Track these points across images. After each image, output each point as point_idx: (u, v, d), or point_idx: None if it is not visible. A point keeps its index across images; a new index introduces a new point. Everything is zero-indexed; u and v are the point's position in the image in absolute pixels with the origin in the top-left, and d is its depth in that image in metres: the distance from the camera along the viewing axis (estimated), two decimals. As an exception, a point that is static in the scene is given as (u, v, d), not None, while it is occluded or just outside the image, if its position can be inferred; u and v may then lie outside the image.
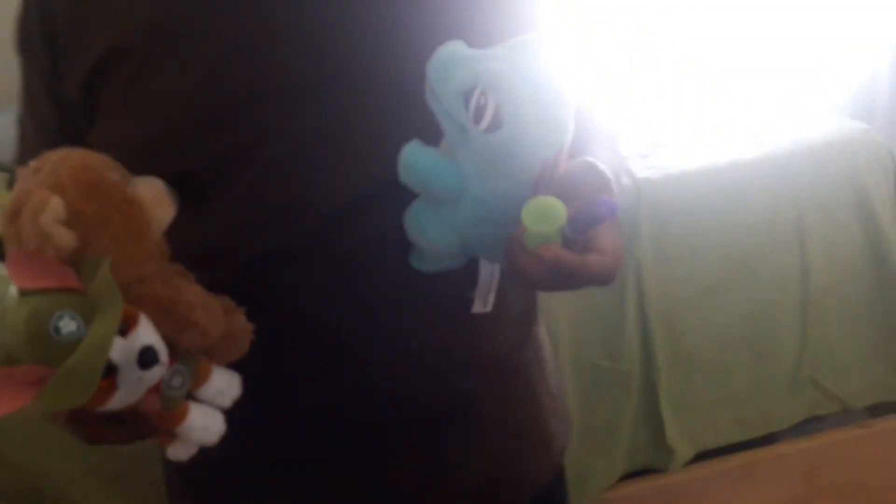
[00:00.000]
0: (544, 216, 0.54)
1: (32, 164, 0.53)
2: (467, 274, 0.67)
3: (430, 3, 0.66)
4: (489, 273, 0.69)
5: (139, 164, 0.58)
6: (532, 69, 0.57)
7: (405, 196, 0.62)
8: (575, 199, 0.56)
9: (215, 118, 0.64)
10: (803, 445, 1.65)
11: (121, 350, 0.47)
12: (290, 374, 0.71)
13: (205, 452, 0.62)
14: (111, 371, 0.47)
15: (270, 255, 0.66)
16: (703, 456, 1.64)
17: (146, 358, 0.48)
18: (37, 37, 0.68)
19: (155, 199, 0.56)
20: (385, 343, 0.70)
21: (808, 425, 1.72)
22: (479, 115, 0.56)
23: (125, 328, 0.48)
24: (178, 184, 0.63)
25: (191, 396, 0.56)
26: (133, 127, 0.63)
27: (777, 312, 1.63)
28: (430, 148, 0.59)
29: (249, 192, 0.65)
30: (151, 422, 0.53)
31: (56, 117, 0.70)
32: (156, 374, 0.49)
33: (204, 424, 0.56)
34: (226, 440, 0.74)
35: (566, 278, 0.56)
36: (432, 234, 0.61)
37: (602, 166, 0.61)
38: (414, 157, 0.59)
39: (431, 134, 0.59)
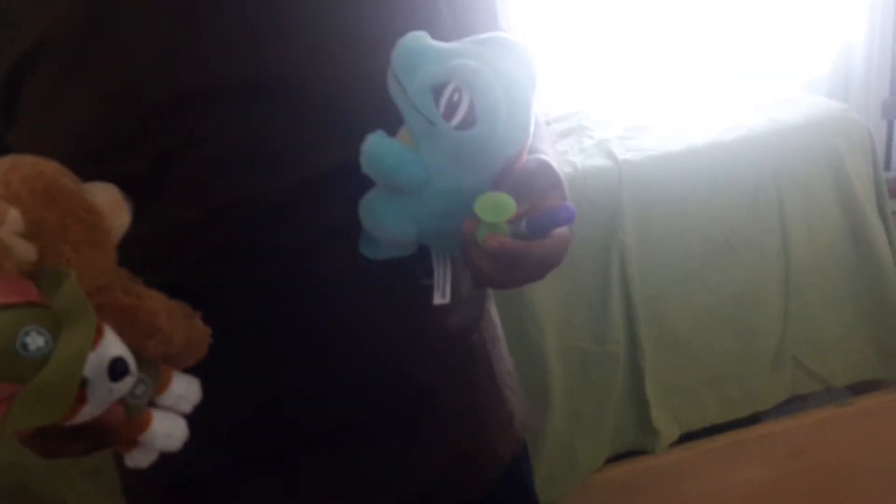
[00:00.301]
0: (496, 209, 0.56)
1: None
2: (417, 259, 0.68)
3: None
4: (443, 264, 0.70)
5: (72, 167, 0.56)
6: (504, 68, 0.58)
7: (348, 188, 0.62)
8: (529, 195, 0.59)
9: (150, 117, 0.62)
10: (787, 425, 1.66)
11: (91, 363, 0.46)
12: (245, 374, 0.69)
13: (165, 459, 0.61)
14: (81, 384, 0.46)
15: (218, 254, 0.65)
16: (688, 437, 1.64)
17: (117, 369, 0.47)
18: None
19: (112, 205, 0.54)
20: (341, 336, 0.69)
21: (791, 405, 1.73)
22: (450, 111, 0.56)
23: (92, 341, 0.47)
24: (117, 185, 0.63)
25: (151, 403, 0.55)
26: (62, 127, 0.61)
27: (759, 292, 1.63)
28: (392, 139, 0.59)
29: (191, 191, 0.64)
30: (113, 432, 0.52)
31: None
32: (126, 385, 0.48)
33: (167, 431, 0.55)
34: (184, 445, 0.74)
35: (513, 266, 0.59)
36: (391, 225, 0.61)
37: (554, 164, 0.64)
38: (378, 149, 0.58)
39: (375, 125, 0.59)
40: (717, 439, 1.64)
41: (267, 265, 0.66)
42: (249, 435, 0.72)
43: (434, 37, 0.59)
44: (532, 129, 0.60)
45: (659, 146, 1.62)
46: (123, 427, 0.52)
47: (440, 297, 0.70)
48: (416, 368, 0.74)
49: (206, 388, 0.68)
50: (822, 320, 1.67)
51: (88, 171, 0.60)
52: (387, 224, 0.61)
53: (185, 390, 0.57)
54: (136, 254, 0.56)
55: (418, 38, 0.59)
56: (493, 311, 0.88)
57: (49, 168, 0.51)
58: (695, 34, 2.09)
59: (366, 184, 0.61)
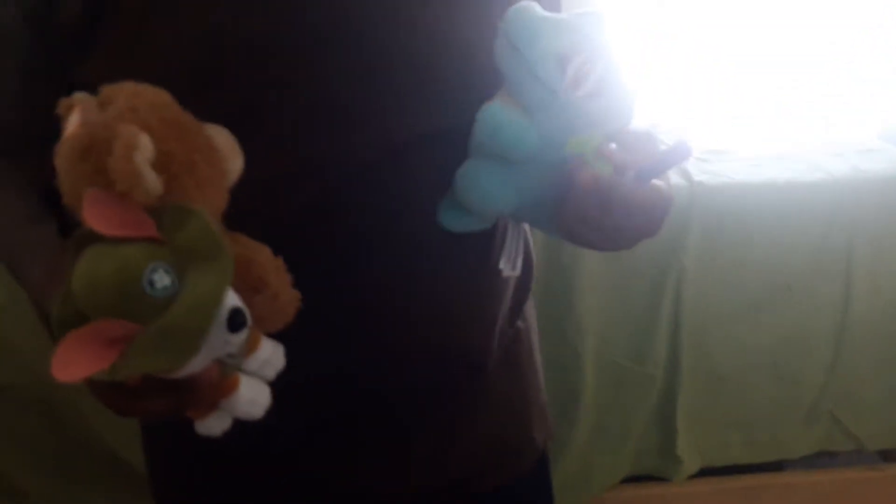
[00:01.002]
0: (583, 140, 0.56)
1: (92, 98, 0.47)
2: (485, 234, 0.68)
3: None
4: (517, 234, 0.71)
5: None
6: (618, 43, 0.58)
7: (433, 155, 0.62)
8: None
9: (241, 59, 0.61)
10: (813, 478, 1.63)
11: None
12: (312, 336, 0.68)
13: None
14: None
15: (300, 211, 0.64)
16: (707, 472, 1.62)
17: (237, 320, 0.44)
18: None
19: (230, 147, 0.51)
20: (407, 303, 0.68)
21: (815, 458, 1.70)
22: (576, 82, 0.55)
23: None
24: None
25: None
26: (149, 64, 0.59)
27: (809, 341, 1.59)
28: (512, 109, 0.58)
29: (277, 144, 0.63)
30: (203, 393, 0.48)
31: (42, 60, 0.64)
32: (241, 339, 0.45)
33: (252, 397, 0.51)
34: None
35: (610, 209, 0.57)
36: (495, 197, 0.60)
37: (657, 135, 0.64)
38: (498, 118, 0.57)
39: (469, 95, 0.59)
40: (739, 479, 1.61)
41: (347, 225, 0.65)
42: (306, 400, 0.72)
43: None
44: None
45: (736, 174, 1.58)
46: (213, 388, 0.49)
47: (509, 269, 0.71)
48: (470, 346, 0.73)
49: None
50: (867, 381, 1.63)
51: (188, 99, 0.58)
52: (492, 197, 0.61)
53: (271, 355, 0.53)
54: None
55: (531, 8, 0.58)
56: (531, 302, 0.87)
57: (169, 98, 0.48)
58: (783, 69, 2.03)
59: (450, 152, 0.61)
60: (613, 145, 0.56)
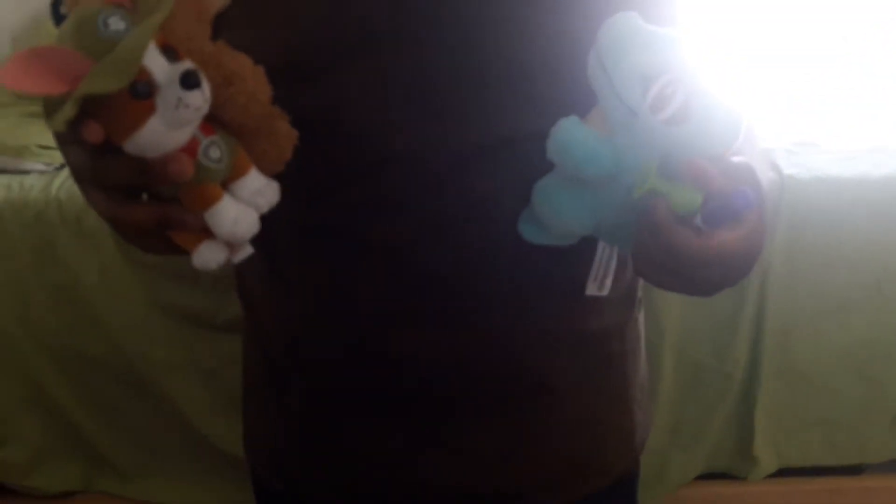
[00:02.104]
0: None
1: None
2: (573, 250, 0.65)
3: None
4: (607, 256, 0.68)
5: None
6: (717, 68, 0.54)
7: (517, 159, 0.61)
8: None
9: (332, 55, 0.61)
10: (893, 483, 1.58)
11: (165, 71, 0.47)
12: (372, 321, 0.69)
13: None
14: (152, 92, 0.46)
15: (376, 201, 0.64)
16: (784, 472, 1.58)
17: (190, 79, 0.47)
18: None
19: None
20: (478, 311, 0.68)
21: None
22: (659, 105, 0.52)
23: (173, 57, 0.48)
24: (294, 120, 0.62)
25: (226, 188, 0.53)
26: (253, 48, 0.60)
27: (898, 343, 1.54)
28: (585, 127, 0.55)
29: (367, 135, 0.63)
30: (178, 202, 0.51)
31: None
32: (196, 100, 0.47)
33: (236, 216, 0.52)
34: (305, 365, 0.74)
35: (680, 258, 0.53)
36: (569, 216, 0.58)
37: (754, 168, 0.57)
38: (568, 136, 0.55)
39: (560, 102, 0.57)
40: (817, 482, 1.57)
41: (425, 221, 0.65)
42: (364, 385, 0.73)
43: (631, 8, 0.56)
44: (742, 132, 0.56)
45: (828, 168, 1.52)
46: (189, 194, 0.50)
47: (595, 289, 0.68)
48: (542, 363, 0.72)
49: (334, 329, 0.70)
50: (957, 386, 1.57)
51: (280, 92, 0.59)
52: (564, 215, 0.59)
53: (263, 186, 0.54)
54: (302, 186, 0.56)
55: (629, 19, 0.55)
56: (640, 320, 0.84)
57: None
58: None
59: (537, 156, 0.59)
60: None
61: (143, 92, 0.46)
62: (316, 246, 0.66)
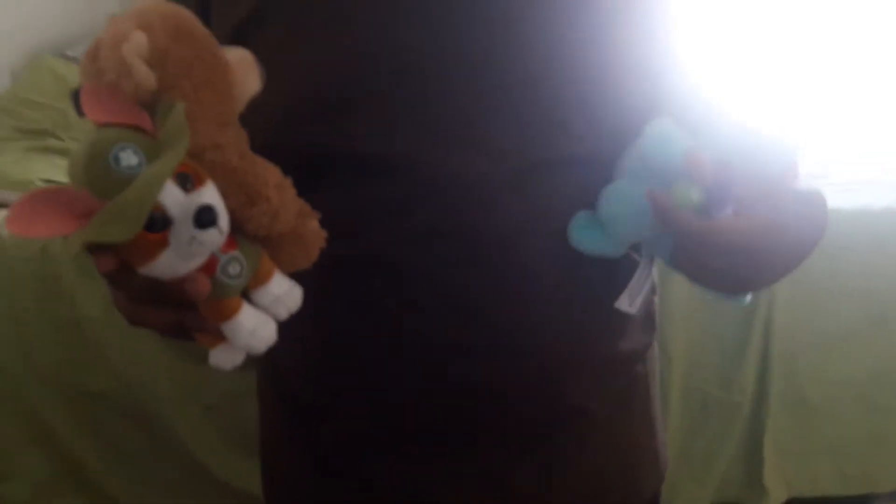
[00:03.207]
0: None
1: (121, 14, 0.49)
2: (607, 274, 0.67)
3: None
4: (646, 273, 0.69)
5: (285, 129, 0.55)
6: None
7: (557, 181, 0.62)
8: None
9: (368, 89, 0.61)
10: (903, 514, 1.58)
11: (179, 204, 0.44)
12: (413, 353, 0.68)
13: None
14: (165, 225, 0.44)
15: (419, 232, 0.64)
16: (794, 502, 1.58)
17: (204, 217, 0.44)
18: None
19: (243, 63, 0.51)
20: (518, 332, 0.67)
21: (906, 493, 1.64)
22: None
23: (189, 186, 0.45)
24: (324, 156, 0.62)
25: (247, 298, 0.51)
26: (276, 91, 0.60)
27: (904, 373, 1.54)
28: (678, 130, 0.58)
29: (400, 166, 0.63)
30: (197, 311, 0.49)
31: None
32: (211, 238, 0.45)
33: (252, 327, 0.50)
34: (335, 406, 0.73)
35: (698, 244, 0.56)
36: (645, 214, 0.60)
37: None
38: (665, 131, 0.58)
39: (593, 125, 0.61)
40: (825, 513, 1.57)
41: (463, 248, 0.65)
42: (403, 415, 0.72)
43: (653, 38, 0.61)
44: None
45: (830, 200, 1.53)
46: (207, 307, 0.49)
47: (626, 304, 0.68)
48: (577, 387, 0.72)
49: (370, 363, 0.70)
50: (963, 415, 1.57)
51: (303, 130, 0.59)
52: (642, 211, 0.60)
53: (284, 293, 0.52)
54: (339, 221, 0.56)
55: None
56: (656, 346, 0.85)
57: (189, 14, 0.50)
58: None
59: (573, 180, 0.61)
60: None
61: (155, 226, 0.43)
62: (352, 280, 0.66)
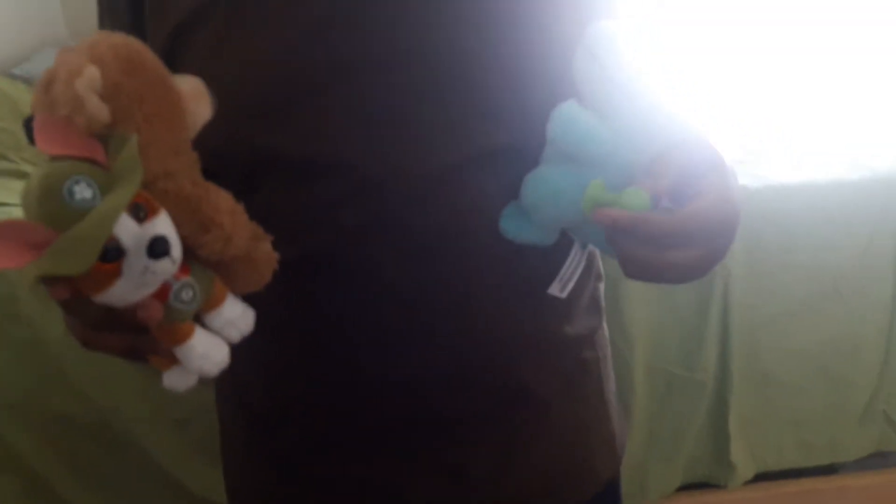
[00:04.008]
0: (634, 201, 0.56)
1: (71, 46, 0.50)
2: (544, 260, 0.68)
3: None
4: (577, 259, 0.71)
5: (223, 133, 0.56)
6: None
7: (492, 172, 0.63)
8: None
9: (302, 89, 0.62)
10: (868, 480, 1.62)
11: (132, 235, 0.45)
12: (362, 348, 0.69)
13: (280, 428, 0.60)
14: (118, 255, 0.44)
15: (355, 229, 0.65)
16: (762, 477, 1.61)
17: (157, 247, 0.45)
18: (123, 11, 0.67)
19: (194, 92, 0.53)
20: (463, 322, 0.68)
21: (870, 460, 1.68)
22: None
23: (143, 216, 0.46)
24: (262, 157, 0.63)
25: (200, 321, 0.52)
26: (217, 91, 0.60)
27: (859, 342, 1.58)
28: (585, 109, 0.59)
29: (341, 163, 0.64)
30: (150, 335, 0.50)
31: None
32: (164, 268, 0.46)
33: (205, 352, 0.51)
34: (289, 410, 0.74)
35: (643, 243, 0.56)
36: (564, 200, 0.60)
37: (716, 148, 0.61)
38: (573, 115, 0.59)
39: (523, 113, 0.61)
40: (792, 484, 1.60)
41: (403, 242, 0.66)
42: (356, 412, 0.73)
43: (582, 24, 0.61)
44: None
45: (777, 176, 1.57)
46: (160, 331, 0.50)
47: (558, 290, 0.70)
48: (524, 372, 0.73)
49: (319, 362, 0.70)
50: (920, 379, 1.61)
51: (240, 133, 0.60)
52: (560, 199, 0.61)
53: (237, 317, 0.54)
54: (280, 222, 0.57)
55: (609, 24, 0.60)
56: (605, 329, 0.87)
57: (139, 45, 0.50)
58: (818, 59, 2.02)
59: (509, 169, 0.62)
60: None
61: (109, 257, 0.44)
62: (297, 280, 0.66)
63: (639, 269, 0.58)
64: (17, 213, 1.48)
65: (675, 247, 0.56)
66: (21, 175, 1.73)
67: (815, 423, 1.59)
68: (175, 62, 0.63)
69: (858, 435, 1.62)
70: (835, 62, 2.04)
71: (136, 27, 0.66)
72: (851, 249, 1.55)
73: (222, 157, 0.55)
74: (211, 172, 0.53)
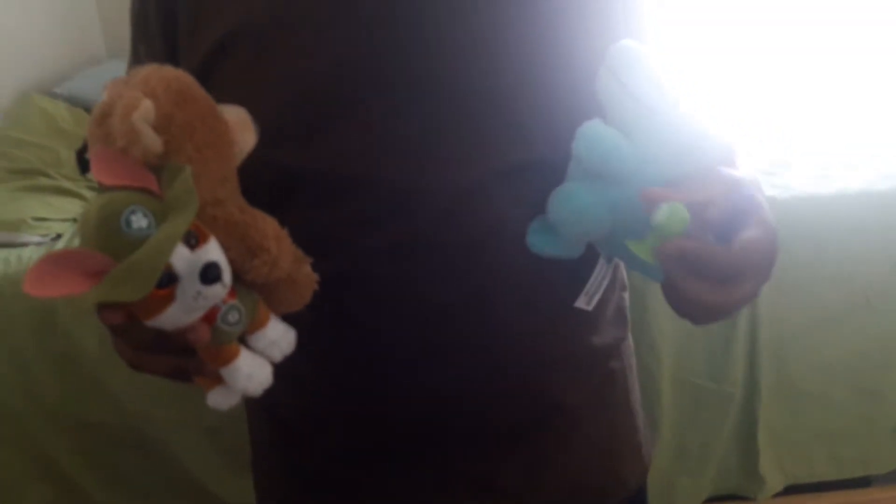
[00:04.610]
0: (673, 216, 0.55)
1: (121, 78, 0.52)
2: (571, 273, 0.69)
3: (535, 9, 0.66)
4: (603, 272, 0.71)
5: (254, 152, 0.57)
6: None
7: (518, 186, 0.64)
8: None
9: (333, 110, 0.64)
10: (901, 494, 1.59)
11: (185, 261, 0.46)
12: (392, 362, 0.70)
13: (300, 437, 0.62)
14: (172, 281, 0.46)
15: (388, 246, 0.66)
16: (791, 489, 1.59)
17: (210, 273, 0.46)
18: (154, 22, 0.69)
19: (240, 121, 0.55)
20: (492, 336, 0.69)
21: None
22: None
23: (194, 243, 0.47)
24: (294, 177, 0.64)
25: (244, 342, 0.54)
26: (250, 113, 0.64)
27: (891, 354, 1.56)
28: (609, 127, 0.60)
29: (368, 183, 0.65)
30: (197, 356, 0.51)
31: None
32: (216, 293, 0.47)
33: (250, 372, 0.53)
34: (321, 423, 0.75)
35: (704, 274, 0.53)
36: (589, 215, 0.61)
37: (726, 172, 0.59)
38: (598, 131, 0.60)
39: (546, 131, 0.63)
40: (824, 497, 1.58)
41: (431, 259, 0.67)
42: (385, 425, 0.74)
43: (608, 43, 0.62)
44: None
45: (805, 187, 1.56)
46: (207, 353, 0.51)
47: (584, 303, 0.71)
48: (554, 384, 0.74)
49: (351, 376, 0.72)
50: (953, 392, 1.58)
51: (274, 153, 0.61)
52: (586, 214, 0.62)
53: (279, 337, 0.55)
54: (310, 239, 0.58)
55: (632, 43, 0.61)
56: (630, 339, 0.87)
57: (189, 77, 0.53)
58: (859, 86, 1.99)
59: (536, 184, 0.63)
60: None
61: (163, 283, 0.45)
62: (327, 296, 0.68)
63: (691, 305, 0.56)
64: (57, 227, 1.54)
65: (730, 282, 0.54)
66: (61, 191, 1.78)
67: (846, 435, 1.57)
68: (206, 86, 0.66)
69: (891, 447, 1.59)
70: (862, 72, 2.02)
71: (169, 51, 0.68)
72: (882, 260, 1.53)
73: (253, 176, 0.57)
74: (241, 191, 0.55)
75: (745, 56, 2.01)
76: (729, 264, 0.53)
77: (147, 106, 0.48)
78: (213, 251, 0.48)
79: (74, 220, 1.63)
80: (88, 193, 1.78)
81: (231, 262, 0.50)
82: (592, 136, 0.60)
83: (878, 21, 2.01)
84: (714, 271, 0.54)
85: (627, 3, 0.70)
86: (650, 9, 0.74)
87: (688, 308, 0.57)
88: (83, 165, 0.48)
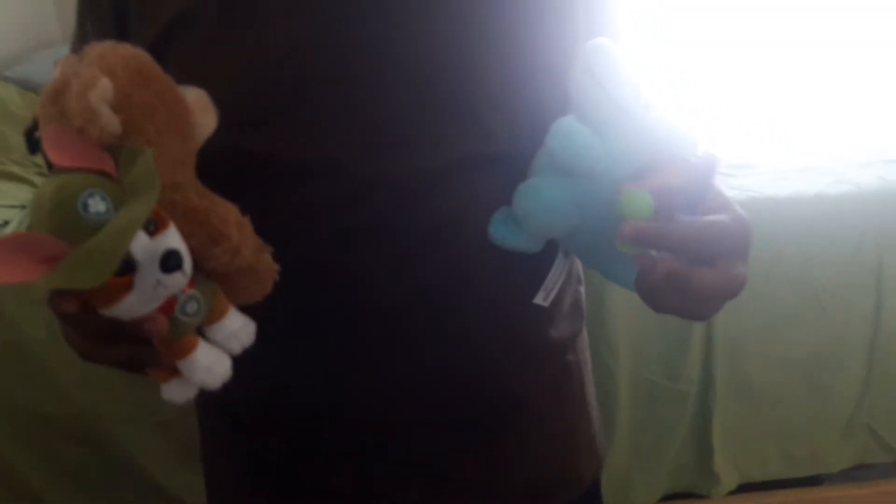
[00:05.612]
0: (636, 202, 0.56)
1: (74, 56, 0.50)
2: (530, 268, 0.69)
3: None
4: (561, 268, 0.72)
5: (209, 139, 0.56)
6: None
7: (478, 179, 0.64)
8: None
9: (295, 90, 0.62)
10: (851, 492, 1.62)
11: (145, 249, 0.44)
12: (347, 354, 0.69)
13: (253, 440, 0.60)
14: (130, 269, 0.44)
15: (342, 233, 0.65)
16: (744, 487, 1.61)
17: (170, 261, 0.45)
18: (106, 4, 0.67)
19: (200, 104, 0.53)
20: (449, 327, 0.69)
21: (854, 472, 1.68)
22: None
23: (153, 229, 0.45)
24: (254, 163, 0.63)
25: (202, 334, 0.52)
26: (216, 81, 0.60)
27: (843, 353, 1.59)
28: (583, 125, 0.61)
29: (325, 170, 0.64)
30: (154, 347, 0.49)
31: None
32: (176, 281, 0.46)
33: (208, 364, 0.51)
34: (274, 415, 0.74)
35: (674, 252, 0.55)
36: (556, 211, 0.61)
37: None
38: (571, 129, 0.60)
39: (507, 122, 0.63)
40: (777, 495, 1.60)
41: (391, 246, 0.66)
42: (342, 423, 0.73)
43: (569, 40, 0.63)
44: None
45: (762, 189, 1.58)
46: (164, 344, 0.49)
47: (541, 299, 0.71)
48: (511, 377, 0.73)
49: (305, 368, 0.70)
50: (903, 392, 1.62)
51: (228, 135, 0.60)
52: (552, 210, 0.62)
53: (238, 328, 0.53)
54: (269, 225, 0.57)
55: (606, 41, 0.62)
56: (585, 334, 0.87)
57: (146, 56, 0.50)
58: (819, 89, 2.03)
59: (501, 176, 0.62)
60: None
61: (120, 271, 0.43)
62: (283, 285, 0.67)
63: (666, 292, 0.57)
64: (4, 213, 1.49)
65: (701, 260, 0.55)
66: (10, 177, 1.73)
67: (798, 434, 1.60)
68: (161, 63, 0.64)
69: (842, 447, 1.62)
70: (824, 77, 2.06)
71: (120, 28, 0.66)
72: (835, 262, 1.56)
73: (210, 159, 0.55)
74: (197, 175, 0.53)
75: (710, 51, 2.03)
76: (691, 237, 0.54)
77: (105, 84, 0.45)
78: (172, 238, 0.46)
79: (23, 206, 1.58)
80: (38, 179, 1.73)
81: (190, 250, 0.47)
82: (567, 132, 0.60)
83: (852, 18, 2.04)
84: (677, 246, 0.55)
85: (589, 1, 0.70)
86: (617, 6, 0.75)
87: (658, 296, 0.58)
88: (32, 145, 0.45)
